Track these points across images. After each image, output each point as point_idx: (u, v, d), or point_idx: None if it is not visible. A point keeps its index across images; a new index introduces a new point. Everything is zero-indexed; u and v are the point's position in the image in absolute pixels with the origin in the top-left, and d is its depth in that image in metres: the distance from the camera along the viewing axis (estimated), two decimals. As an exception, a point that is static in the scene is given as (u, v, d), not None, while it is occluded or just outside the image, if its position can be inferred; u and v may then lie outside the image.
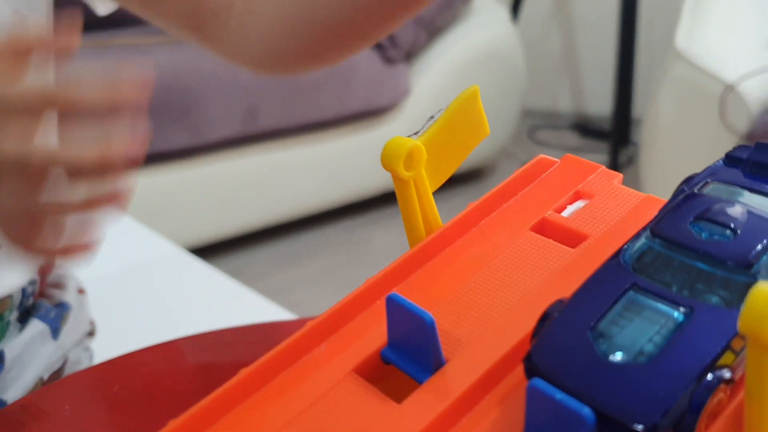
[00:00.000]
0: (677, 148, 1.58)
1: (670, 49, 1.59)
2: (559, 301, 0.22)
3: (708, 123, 1.48)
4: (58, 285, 0.63)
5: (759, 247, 0.20)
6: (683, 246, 0.21)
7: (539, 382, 0.19)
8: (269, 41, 0.57)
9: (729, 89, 1.44)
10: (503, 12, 2.08)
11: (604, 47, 2.24)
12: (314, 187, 1.85)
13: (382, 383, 0.24)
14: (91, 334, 0.67)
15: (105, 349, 0.66)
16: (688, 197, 0.23)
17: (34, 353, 0.56)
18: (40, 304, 0.58)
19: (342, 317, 0.26)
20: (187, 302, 0.87)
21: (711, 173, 0.24)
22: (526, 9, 2.37)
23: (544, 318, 0.22)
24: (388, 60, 1.79)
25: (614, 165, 2.11)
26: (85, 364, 0.63)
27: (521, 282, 0.24)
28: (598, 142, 2.39)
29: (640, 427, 0.18)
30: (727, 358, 0.19)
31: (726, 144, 1.47)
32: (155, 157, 1.71)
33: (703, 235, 0.21)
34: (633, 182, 2.16)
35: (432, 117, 0.27)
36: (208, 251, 1.73)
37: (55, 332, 0.59)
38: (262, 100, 1.74)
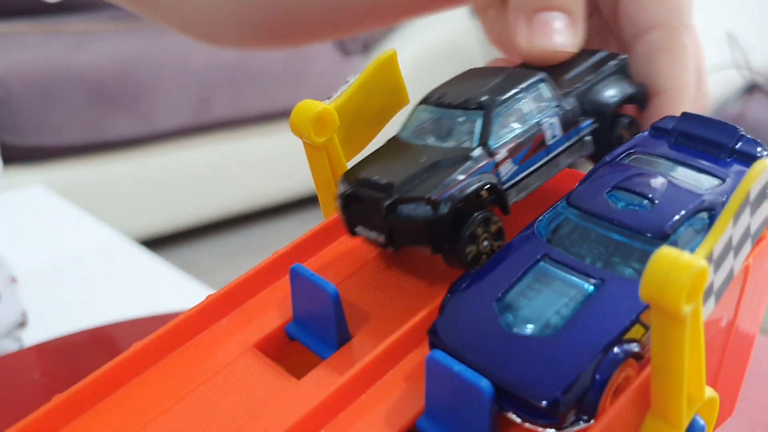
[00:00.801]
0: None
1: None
2: (469, 273, 0.21)
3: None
4: None
5: (676, 218, 0.19)
6: (599, 216, 0.20)
7: (438, 354, 0.18)
8: (221, 17, 0.55)
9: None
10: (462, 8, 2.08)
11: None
12: (267, 179, 1.82)
13: (287, 361, 0.23)
14: (22, 324, 0.64)
15: (36, 340, 0.63)
16: (607, 167, 0.22)
17: None
18: None
19: (246, 291, 0.24)
20: (130, 293, 0.84)
21: (635, 144, 0.23)
22: (484, 6, 2.37)
23: (452, 290, 0.21)
24: (345, 51, 1.78)
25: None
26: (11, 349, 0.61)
27: (432, 256, 0.23)
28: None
29: (540, 402, 0.17)
30: (637, 331, 0.18)
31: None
32: (104, 146, 1.68)
33: (620, 205, 0.20)
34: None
35: (347, 81, 0.25)
36: (157, 243, 1.69)
37: None
38: (213, 89, 1.71)
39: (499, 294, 0.19)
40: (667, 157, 0.22)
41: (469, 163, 0.20)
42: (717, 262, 0.17)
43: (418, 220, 0.20)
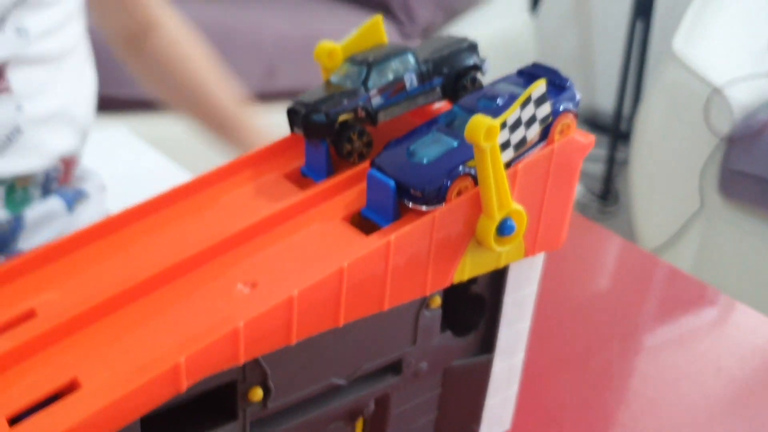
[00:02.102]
0: (664, 146, 1.69)
1: (668, 51, 1.69)
2: (397, 137, 0.34)
3: (694, 124, 1.58)
4: (81, 178, 0.76)
5: (504, 107, 0.33)
6: (470, 109, 0.34)
7: (374, 171, 0.32)
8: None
9: (715, 93, 1.54)
10: (523, 3, 2.18)
11: (618, 46, 2.33)
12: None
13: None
14: None
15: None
16: (477, 93, 0.35)
17: (49, 221, 0.68)
18: (61, 188, 0.71)
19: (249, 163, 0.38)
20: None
21: (504, 78, 0.36)
22: (546, 3, 2.47)
23: (386, 145, 0.34)
24: (404, 35, 1.91)
25: (611, 159, 2.21)
26: None
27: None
28: (604, 136, 2.49)
29: (421, 191, 0.30)
30: (473, 163, 0.31)
31: (708, 145, 1.58)
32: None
33: (481, 105, 0.34)
34: (624, 177, 2.25)
35: (351, 33, 0.39)
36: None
37: (71, 208, 0.71)
38: (280, 61, 1.86)
39: (410, 146, 0.33)
40: (517, 86, 0.36)
41: (353, 95, 0.34)
42: (511, 128, 0.30)
43: (319, 123, 0.34)
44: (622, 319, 0.60)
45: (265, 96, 1.94)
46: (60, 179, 0.71)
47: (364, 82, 0.35)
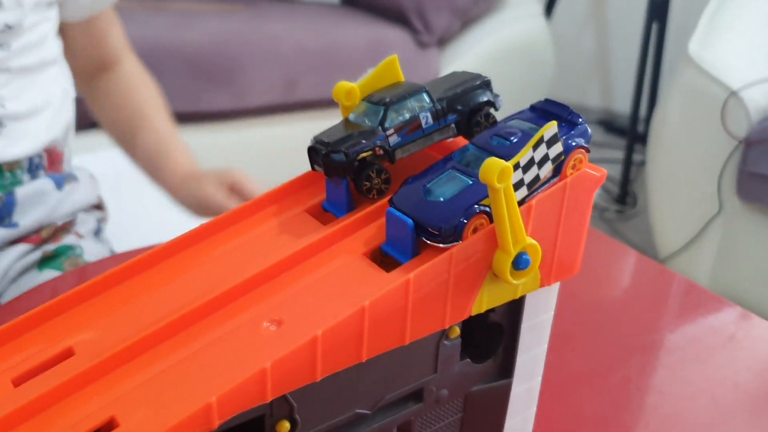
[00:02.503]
0: (681, 149, 1.69)
1: (684, 54, 1.69)
2: (413, 175, 0.35)
3: (710, 127, 1.58)
4: (70, 168, 0.84)
5: (520, 149, 0.34)
6: (483, 148, 0.35)
7: (392, 209, 0.33)
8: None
9: (732, 96, 1.54)
10: (537, 8, 2.19)
11: (634, 49, 2.33)
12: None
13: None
14: (99, 207, 0.86)
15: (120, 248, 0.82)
16: (495, 126, 0.37)
17: (40, 197, 0.76)
18: (50, 174, 0.78)
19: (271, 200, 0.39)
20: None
21: (516, 114, 0.38)
22: (560, 8, 2.47)
23: (403, 183, 0.35)
24: (421, 44, 1.92)
25: (628, 162, 2.21)
26: (91, 226, 0.82)
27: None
28: (621, 139, 2.49)
29: (438, 229, 0.32)
30: (488, 201, 0.32)
31: (726, 147, 1.58)
32: (200, 116, 1.87)
33: (494, 143, 0.35)
34: (643, 180, 2.25)
35: (367, 72, 0.40)
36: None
37: (60, 187, 0.78)
38: (301, 72, 1.88)
39: (426, 184, 0.34)
40: (534, 123, 0.37)
41: (371, 135, 0.36)
42: (524, 168, 0.31)
43: (338, 162, 0.35)
44: (639, 334, 0.61)
45: (286, 107, 1.97)
46: (46, 167, 0.78)
47: (382, 122, 0.36)
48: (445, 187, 0.34)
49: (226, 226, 0.37)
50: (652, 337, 0.61)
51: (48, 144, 0.77)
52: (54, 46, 0.78)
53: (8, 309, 0.63)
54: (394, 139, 0.36)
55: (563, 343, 0.58)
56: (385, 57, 0.41)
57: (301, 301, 0.32)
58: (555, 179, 0.34)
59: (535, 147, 0.32)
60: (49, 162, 0.78)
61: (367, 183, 0.36)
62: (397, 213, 0.33)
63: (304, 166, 0.39)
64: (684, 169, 1.67)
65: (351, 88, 0.39)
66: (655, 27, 2.15)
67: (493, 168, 0.30)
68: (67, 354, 0.31)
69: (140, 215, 1.09)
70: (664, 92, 1.80)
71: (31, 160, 0.76)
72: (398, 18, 1.96)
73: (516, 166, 0.31)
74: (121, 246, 0.83)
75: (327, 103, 1.93)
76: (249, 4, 2.15)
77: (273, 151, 1.95)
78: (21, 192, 0.75)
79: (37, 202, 0.76)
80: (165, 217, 1.04)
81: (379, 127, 0.36)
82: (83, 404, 0.28)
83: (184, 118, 1.84)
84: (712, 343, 0.61)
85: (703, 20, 1.74)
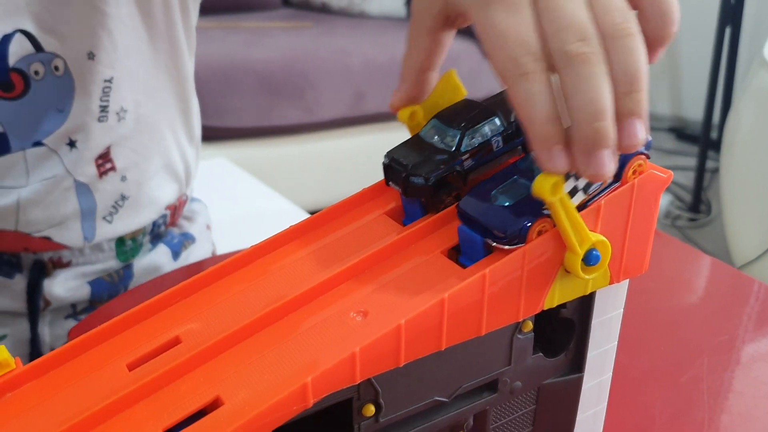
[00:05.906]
0: (755, 155, 1.66)
1: (758, 58, 1.67)
2: (478, 183, 0.38)
3: (786, 131, 1.55)
4: (188, 218, 0.81)
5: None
6: None
7: (463, 226, 0.35)
8: None
9: (808, 99, 1.51)
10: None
11: (705, 55, 2.30)
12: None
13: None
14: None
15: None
16: None
17: (156, 269, 0.74)
18: (168, 231, 0.76)
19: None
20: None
21: None
22: (629, 14, 2.44)
23: (470, 191, 0.37)
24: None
25: (701, 169, 2.17)
26: None
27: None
28: (693, 146, 2.45)
29: (504, 233, 0.34)
30: None
31: (803, 152, 1.54)
32: (272, 130, 1.93)
33: None
34: (716, 187, 2.21)
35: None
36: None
37: (176, 255, 0.76)
38: (368, 86, 1.92)
39: (492, 190, 0.36)
40: None
41: (448, 158, 0.38)
42: (576, 176, 0.33)
43: (418, 185, 0.37)
44: (712, 334, 0.62)
45: (355, 120, 2.01)
46: (167, 224, 0.76)
47: (458, 146, 0.38)
48: (510, 193, 0.36)
49: (314, 228, 0.40)
50: (723, 338, 0.62)
51: (173, 201, 0.74)
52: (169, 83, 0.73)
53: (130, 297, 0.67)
54: (468, 163, 0.38)
55: (634, 342, 0.59)
56: (450, 68, 0.42)
57: (385, 294, 0.34)
58: (616, 184, 0.36)
59: None
60: (171, 216, 0.76)
61: (440, 204, 0.38)
62: (468, 230, 0.35)
63: (371, 175, 0.41)
64: (759, 175, 1.64)
65: (414, 109, 0.41)
66: (728, 31, 2.12)
67: (545, 183, 0.32)
68: (175, 342, 0.34)
69: (241, 219, 1.13)
70: (738, 97, 1.77)
71: (155, 222, 0.73)
72: (463, 29, 1.97)
73: (568, 176, 0.33)
74: (221, 248, 0.86)
75: (394, 116, 1.96)
76: (317, 20, 2.20)
77: (342, 163, 1.99)
78: (138, 265, 0.72)
79: (152, 274, 0.73)
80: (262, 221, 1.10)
81: (456, 151, 0.38)
82: (190, 386, 0.32)
83: (256, 132, 1.91)
84: (786, 345, 0.61)
85: (776, 23, 1.71)
